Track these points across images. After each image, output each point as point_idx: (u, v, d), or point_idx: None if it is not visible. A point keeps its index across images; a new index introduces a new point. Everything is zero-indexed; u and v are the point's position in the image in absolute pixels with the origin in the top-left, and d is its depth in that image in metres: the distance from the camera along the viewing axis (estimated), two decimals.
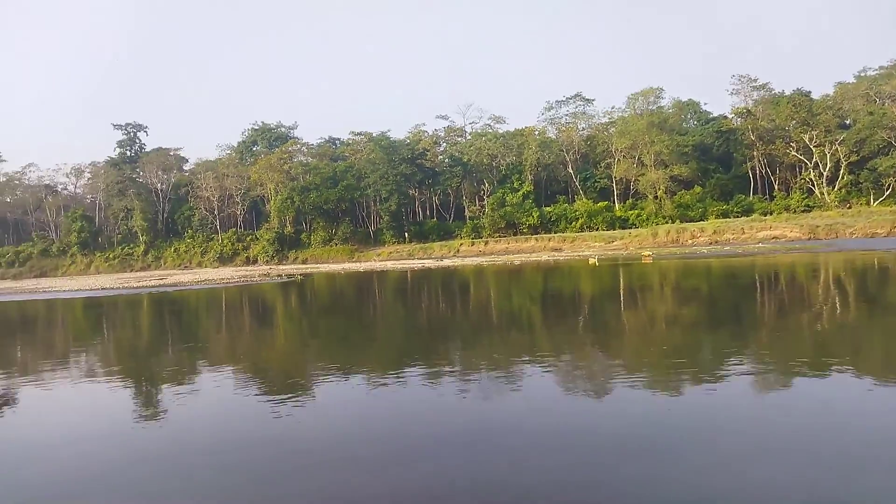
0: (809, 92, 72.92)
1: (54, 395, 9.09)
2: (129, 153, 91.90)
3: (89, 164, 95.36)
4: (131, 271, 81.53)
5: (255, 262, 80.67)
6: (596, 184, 77.97)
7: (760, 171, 72.23)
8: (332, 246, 79.32)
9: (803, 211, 62.88)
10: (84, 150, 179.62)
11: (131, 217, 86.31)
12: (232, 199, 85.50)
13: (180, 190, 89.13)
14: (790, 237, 53.49)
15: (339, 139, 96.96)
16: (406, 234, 77.88)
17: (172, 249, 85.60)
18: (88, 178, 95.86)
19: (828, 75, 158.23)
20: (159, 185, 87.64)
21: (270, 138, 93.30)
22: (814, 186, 67.20)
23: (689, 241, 58.06)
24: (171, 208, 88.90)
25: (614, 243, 60.86)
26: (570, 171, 78.44)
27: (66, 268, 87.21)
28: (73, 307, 28.66)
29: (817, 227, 53.36)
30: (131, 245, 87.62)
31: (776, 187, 71.98)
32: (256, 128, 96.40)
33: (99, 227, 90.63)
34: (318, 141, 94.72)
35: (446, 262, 52.70)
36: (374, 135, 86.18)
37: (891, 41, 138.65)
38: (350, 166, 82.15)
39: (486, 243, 69.13)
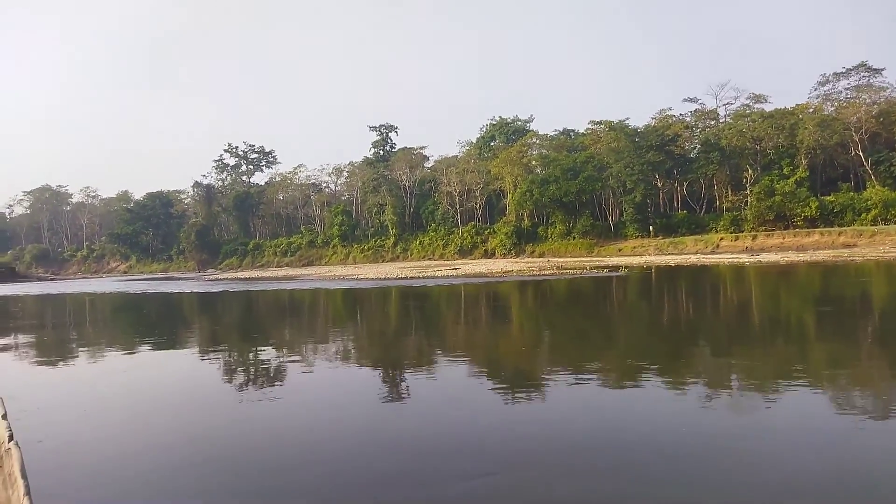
0: None
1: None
2: (381, 152, 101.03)
3: (347, 164, 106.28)
4: (382, 262, 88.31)
5: (492, 255, 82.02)
6: (891, 168, 65.13)
7: None
8: (570, 239, 77.41)
9: None
10: (346, 152, 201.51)
11: (383, 211, 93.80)
12: (471, 193, 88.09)
13: (424, 186, 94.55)
14: None
15: (573, 130, 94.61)
16: (651, 228, 72.84)
17: (418, 242, 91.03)
18: (346, 177, 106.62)
19: None
20: (406, 181, 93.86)
21: (508, 132, 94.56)
22: None
23: None
24: (416, 203, 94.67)
25: None
26: (858, 153, 66.39)
27: (329, 257, 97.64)
28: (416, 294, 30.40)
29: None
30: (382, 237, 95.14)
31: None
32: (494, 122, 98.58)
33: (356, 220, 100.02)
34: (554, 133, 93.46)
35: (731, 259, 47.48)
36: (613, 123, 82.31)
37: None
38: (591, 156, 79.29)
39: (755, 238, 61.24)
